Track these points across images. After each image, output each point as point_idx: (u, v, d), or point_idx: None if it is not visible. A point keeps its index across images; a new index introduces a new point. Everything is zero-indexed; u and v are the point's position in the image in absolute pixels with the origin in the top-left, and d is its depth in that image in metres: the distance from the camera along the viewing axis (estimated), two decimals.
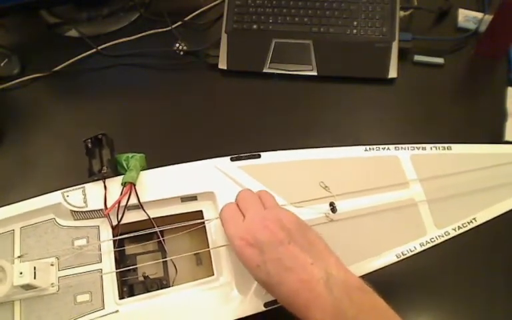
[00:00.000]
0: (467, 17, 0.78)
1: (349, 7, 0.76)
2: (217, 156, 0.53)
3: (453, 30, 0.78)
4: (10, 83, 0.73)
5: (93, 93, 0.74)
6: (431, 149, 0.54)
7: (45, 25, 0.81)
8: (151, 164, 0.52)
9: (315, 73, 0.73)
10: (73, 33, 0.79)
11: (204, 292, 0.46)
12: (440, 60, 0.74)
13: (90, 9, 0.81)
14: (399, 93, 0.72)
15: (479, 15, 0.77)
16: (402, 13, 0.76)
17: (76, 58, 0.75)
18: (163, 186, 0.50)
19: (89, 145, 0.50)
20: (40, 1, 0.75)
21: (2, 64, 0.74)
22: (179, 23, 0.78)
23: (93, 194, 0.49)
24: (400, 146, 0.54)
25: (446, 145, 0.54)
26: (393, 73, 0.71)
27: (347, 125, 0.69)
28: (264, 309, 0.45)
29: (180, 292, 0.47)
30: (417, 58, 0.74)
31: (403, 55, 0.73)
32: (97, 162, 0.49)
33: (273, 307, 0.45)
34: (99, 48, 0.75)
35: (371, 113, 0.70)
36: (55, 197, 0.48)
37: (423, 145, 0.54)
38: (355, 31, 0.74)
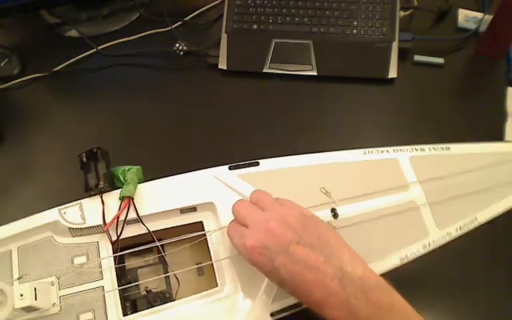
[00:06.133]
0: (467, 17, 0.78)
1: (349, 7, 0.76)
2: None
3: (453, 30, 0.78)
4: (10, 83, 0.73)
5: (93, 93, 0.74)
6: (430, 149, 0.54)
7: (45, 25, 0.81)
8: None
9: (314, 73, 0.73)
10: (73, 33, 0.79)
11: (208, 304, 0.46)
12: (440, 60, 0.74)
13: (90, 9, 0.81)
14: (398, 93, 0.72)
15: (479, 14, 0.77)
16: (402, 13, 0.76)
17: (76, 58, 0.75)
18: (161, 198, 0.49)
19: (84, 159, 0.49)
20: (40, 0, 0.75)
21: (2, 64, 0.74)
22: (179, 22, 0.78)
23: (90, 209, 0.48)
24: (399, 148, 0.53)
25: (444, 146, 0.54)
26: (392, 73, 0.71)
27: (347, 125, 0.69)
28: (270, 319, 0.45)
29: (184, 305, 0.46)
30: (417, 58, 0.74)
31: (403, 55, 0.73)
32: (93, 176, 0.48)
33: (280, 316, 0.45)
34: (99, 48, 0.75)
35: (370, 113, 0.70)
36: (51, 215, 0.47)
37: (422, 146, 0.54)
38: (355, 31, 0.74)
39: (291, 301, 0.45)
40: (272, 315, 0.45)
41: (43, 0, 0.76)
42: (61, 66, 0.74)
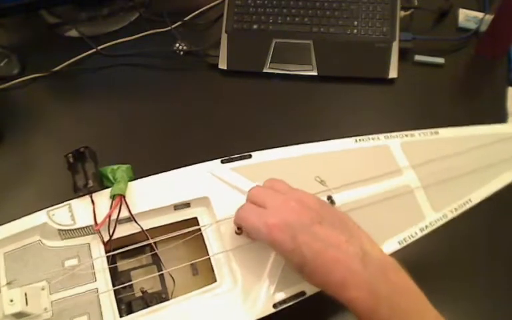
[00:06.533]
0: (467, 17, 0.77)
1: (349, 7, 0.76)
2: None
3: (453, 30, 0.78)
4: (10, 83, 0.73)
5: (93, 93, 0.74)
6: (419, 135, 0.55)
7: (45, 25, 0.81)
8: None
9: (315, 73, 0.72)
10: (73, 33, 0.79)
11: (209, 300, 0.45)
12: (440, 60, 0.74)
13: (90, 9, 0.81)
14: (399, 92, 0.72)
15: (480, 14, 0.77)
16: (402, 13, 0.76)
17: (76, 58, 0.75)
18: (154, 195, 0.48)
19: (71, 160, 0.47)
20: (40, 0, 0.75)
21: (2, 64, 0.74)
22: (179, 22, 0.78)
23: (80, 210, 0.46)
24: (389, 134, 0.54)
25: (433, 130, 0.55)
26: (393, 73, 0.71)
27: (347, 125, 0.69)
28: (273, 310, 0.44)
29: (183, 303, 0.45)
30: (417, 58, 0.74)
31: (403, 54, 0.73)
32: (81, 177, 0.47)
33: (282, 307, 0.44)
34: (99, 48, 0.75)
35: (371, 113, 0.70)
36: (39, 217, 0.46)
37: (411, 132, 0.55)
38: (355, 31, 0.74)
39: (294, 290, 0.45)
40: (274, 306, 0.44)
41: (43, 0, 0.76)
42: (60, 66, 0.74)
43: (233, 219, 0.46)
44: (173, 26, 0.77)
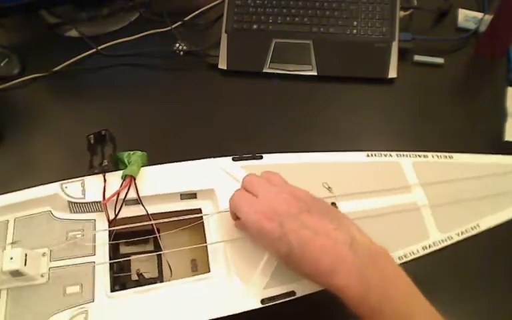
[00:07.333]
0: (466, 17, 0.78)
1: (348, 7, 0.76)
2: (217, 156, 0.52)
3: (453, 30, 0.78)
4: (10, 83, 0.73)
5: (93, 93, 0.74)
6: (433, 157, 0.55)
7: (45, 25, 0.81)
8: (150, 164, 0.52)
9: (314, 73, 0.73)
10: (73, 33, 0.79)
11: (200, 287, 0.46)
12: (440, 60, 0.74)
13: (90, 9, 0.81)
14: (398, 92, 0.72)
15: (479, 14, 0.77)
16: (402, 13, 0.76)
17: (76, 58, 0.75)
18: (162, 182, 0.50)
19: (92, 141, 0.50)
20: (40, 0, 0.75)
21: (2, 64, 0.74)
22: (179, 22, 0.78)
23: (92, 187, 0.48)
24: (402, 153, 0.54)
25: (447, 154, 0.55)
26: (392, 73, 0.71)
27: (346, 125, 0.69)
28: (261, 305, 0.45)
29: (174, 287, 0.46)
30: (417, 58, 0.74)
31: (403, 54, 0.73)
32: (98, 157, 0.49)
33: (270, 304, 0.45)
34: (99, 48, 0.75)
35: (370, 113, 0.70)
36: (52, 188, 0.48)
37: (425, 153, 0.55)
38: (354, 31, 0.74)
39: (284, 289, 0.45)
40: (263, 301, 0.45)
41: (43, 0, 0.76)
42: (61, 66, 0.74)
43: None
44: (173, 26, 0.77)
